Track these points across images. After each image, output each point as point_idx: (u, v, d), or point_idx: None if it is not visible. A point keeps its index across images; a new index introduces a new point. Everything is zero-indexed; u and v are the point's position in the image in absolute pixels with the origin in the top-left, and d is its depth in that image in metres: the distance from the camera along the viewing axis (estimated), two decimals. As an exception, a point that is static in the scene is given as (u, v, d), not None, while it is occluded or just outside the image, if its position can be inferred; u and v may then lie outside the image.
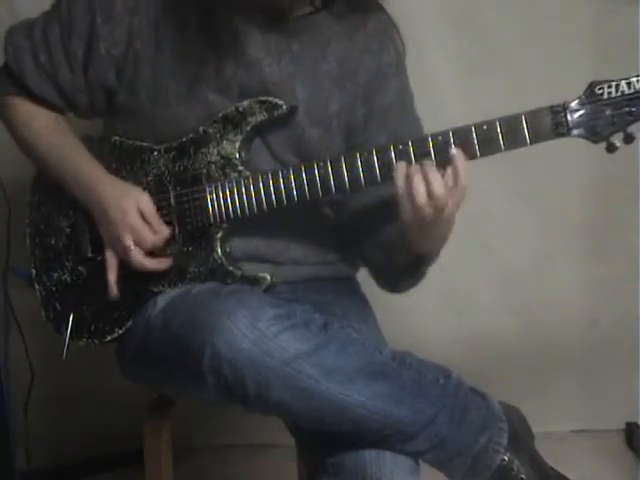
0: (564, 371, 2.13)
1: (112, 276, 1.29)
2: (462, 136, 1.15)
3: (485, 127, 1.14)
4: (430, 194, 1.12)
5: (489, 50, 1.98)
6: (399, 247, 1.27)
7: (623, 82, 1.10)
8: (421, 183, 1.12)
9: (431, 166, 1.13)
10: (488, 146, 1.14)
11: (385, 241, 1.31)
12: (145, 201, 1.28)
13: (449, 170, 1.14)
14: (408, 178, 1.14)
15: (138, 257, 1.26)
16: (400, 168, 1.15)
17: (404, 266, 1.31)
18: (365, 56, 1.32)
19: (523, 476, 1.13)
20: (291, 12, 1.28)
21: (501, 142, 1.14)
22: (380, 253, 1.34)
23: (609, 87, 1.11)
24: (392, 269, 1.34)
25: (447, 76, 2.01)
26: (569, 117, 1.12)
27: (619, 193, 2.03)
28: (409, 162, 1.17)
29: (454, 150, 1.14)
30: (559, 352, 2.10)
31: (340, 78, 1.31)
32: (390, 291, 1.40)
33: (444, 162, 1.14)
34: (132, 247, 1.26)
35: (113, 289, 1.29)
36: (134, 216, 1.26)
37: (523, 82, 1.96)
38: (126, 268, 1.29)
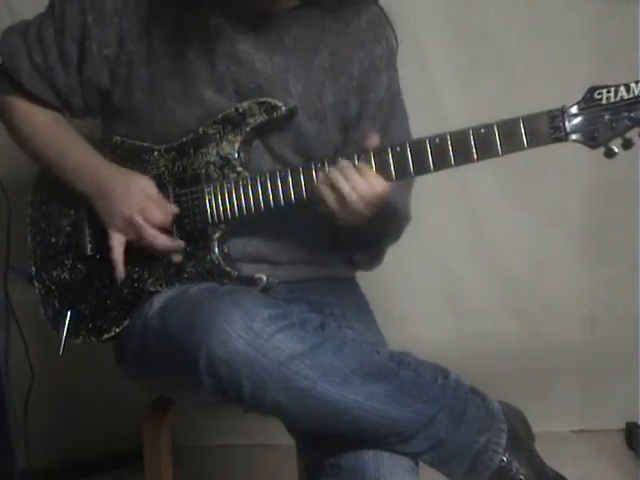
0: (564, 371, 2.13)
1: (118, 256, 1.29)
2: (460, 139, 1.15)
3: (483, 131, 1.14)
4: (354, 189, 1.16)
5: (489, 50, 1.98)
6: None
7: (622, 87, 1.09)
8: (345, 183, 1.16)
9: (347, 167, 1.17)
10: (486, 150, 1.14)
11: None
12: (148, 184, 1.29)
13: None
14: (332, 184, 1.17)
15: (151, 232, 1.27)
16: (320, 180, 1.19)
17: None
18: (358, 49, 1.32)
19: (522, 477, 1.13)
20: (275, 7, 1.28)
21: (498, 146, 1.13)
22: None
23: (608, 92, 1.10)
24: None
25: (447, 76, 2.01)
26: (567, 122, 1.11)
27: (619, 195, 2.03)
28: (405, 164, 1.17)
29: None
30: (559, 352, 2.11)
31: (333, 71, 1.31)
32: (353, 269, 1.45)
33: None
34: (143, 223, 1.26)
35: (120, 270, 1.29)
36: (139, 195, 1.27)
37: (523, 82, 1.96)
38: (125, 266, 1.30)
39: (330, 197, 1.18)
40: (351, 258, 1.40)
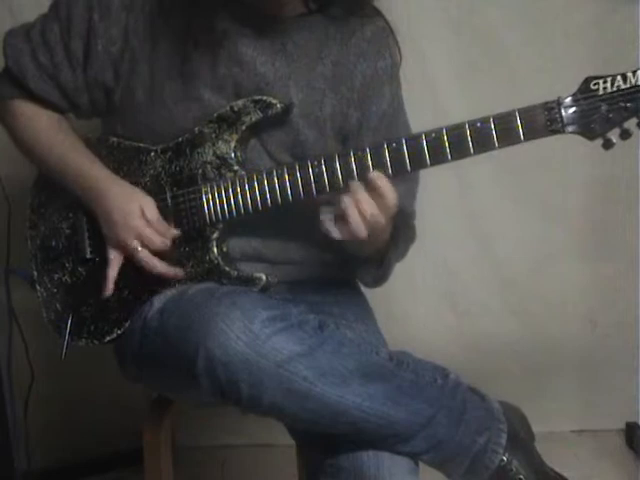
0: (564, 371, 2.13)
1: (112, 273, 1.29)
2: (456, 133, 1.14)
3: (479, 124, 1.13)
4: (362, 214, 1.14)
5: (489, 50, 1.98)
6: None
7: (619, 77, 1.08)
8: (353, 207, 1.14)
9: (360, 187, 1.15)
10: (482, 144, 1.13)
11: None
12: (149, 205, 1.28)
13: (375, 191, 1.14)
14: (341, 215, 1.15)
15: (148, 258, 1.26)
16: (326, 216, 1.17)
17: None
18: (360, 61, 1.32)
19: (522, 477, 1.13)
20: (281, 12, 1.29)
21: (495, 139, 1.13)
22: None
23: (604, 82, 1.09)
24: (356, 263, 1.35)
25: (447, 76, 2.00)
26: (563, 113, 1.11)
27: (619, 193, 2.03)
28: (402, 159, 1.16)
29: (373, 174, 1.15)
30: (559, 352, 2.11)
31: (334, 81, 1.31)
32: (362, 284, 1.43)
33: (371, 185, 1.15)
34: (139, 248, 1.26)
35: (109, 286, 1.29)
36: (138, 219, 1.26)
37: (523, 82, 1.96)
38: (126, 269, 1.30)
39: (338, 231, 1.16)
40: (357, 273, 1.38)
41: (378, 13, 1.36)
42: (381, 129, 1.34)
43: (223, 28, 1.27)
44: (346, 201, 1.14)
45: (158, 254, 1.27)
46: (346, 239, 1.16)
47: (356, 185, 1.15)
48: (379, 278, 1.36)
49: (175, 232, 1.28)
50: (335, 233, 1.16)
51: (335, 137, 1.33)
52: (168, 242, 1.27)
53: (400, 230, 1.29)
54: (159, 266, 1.27)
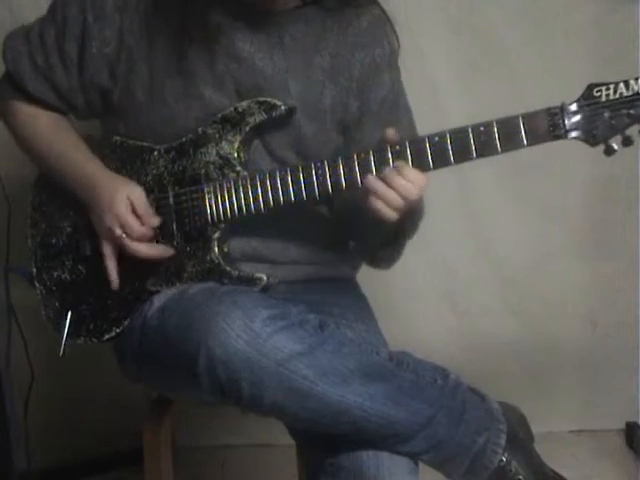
0: (564, 371, 2.13)
1: (111, 266, 1.29)
2: (459, 137, 1.15)
3: (482, 129, 1.14)
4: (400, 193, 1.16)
5: (489, 50, 1.98)
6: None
7: (621, 84, 1.09)
8: (389, 189, 1.16)
9: (392, 171, 1.16)
10: (485, 148, 1.14)
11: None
12: (137, 193, 1.28)
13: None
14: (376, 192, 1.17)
15: (130, 244, 1.26)
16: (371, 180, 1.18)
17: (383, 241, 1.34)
18: (358, 51, 1.32)
19: (521, 477, 1.14)
20: (276, 6, 1.28)
21: (498, 144, 1.13)
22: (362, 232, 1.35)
23: (607, 89, 1.09)
24: (373, 246, 1.36)
25: (447, 76, 2.01)
26: (566, 119, 1.11)
27: (619, 193, 2.03)
28: (405, 162, 1.17)
29: (393, 164, 1.17)
30: (559, 352, 2.11)
31: (333, 72, 1.31)
32: (374, 267, 1.43)
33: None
34: (122, 235, 1.26)
35: (113, 279, 1.30)
36: (121, 207, 1.26)
37: (523, 82, 1.96)
38: (126, 267, 1.30)
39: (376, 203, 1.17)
40: (375, 255, 1.39)
41: (373, 1, 1.35)
42: (382, 114, 1.34)
43: (217, 22, 1.27)
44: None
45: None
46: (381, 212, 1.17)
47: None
48: (398, 251, 1.36)
49: (156, 221, 1.28)
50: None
51: (336, 129, 1.33)
52: (149, 233, 1.27)
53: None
54: (143, 250, 1.27)
